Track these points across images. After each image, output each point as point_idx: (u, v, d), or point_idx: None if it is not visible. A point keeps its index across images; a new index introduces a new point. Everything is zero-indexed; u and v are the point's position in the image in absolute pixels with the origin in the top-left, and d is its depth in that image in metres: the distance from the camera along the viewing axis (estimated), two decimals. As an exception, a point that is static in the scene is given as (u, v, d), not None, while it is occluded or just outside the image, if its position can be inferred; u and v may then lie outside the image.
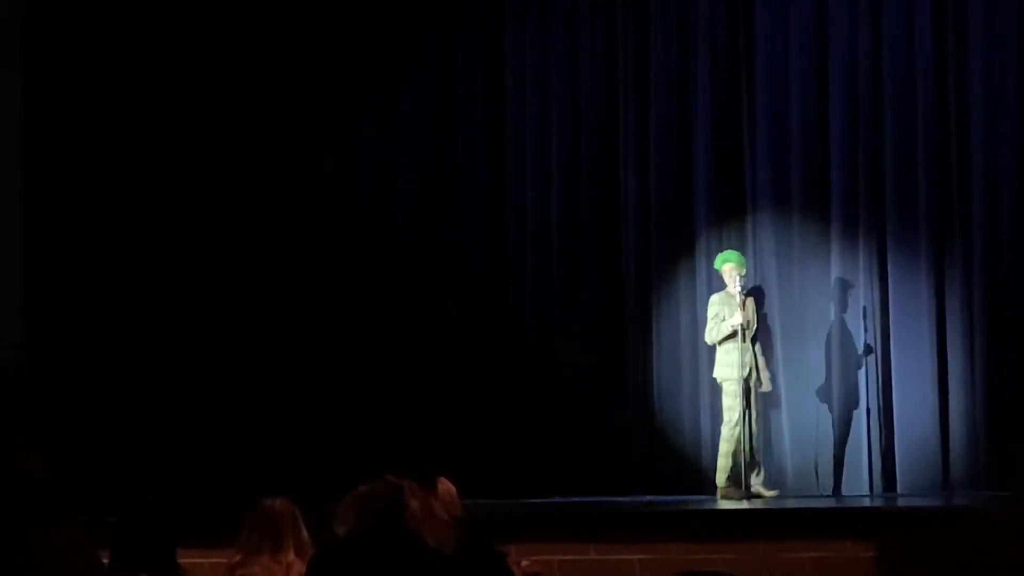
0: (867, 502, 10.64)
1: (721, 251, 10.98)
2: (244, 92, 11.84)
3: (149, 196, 11.69)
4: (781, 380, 11.05)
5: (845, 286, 11.19)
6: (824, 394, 11.12)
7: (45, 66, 11.61)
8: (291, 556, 5.86)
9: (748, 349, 10.59)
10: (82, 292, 11.59)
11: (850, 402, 11.08)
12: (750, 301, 10.76)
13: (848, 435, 11.06)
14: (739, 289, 10.61)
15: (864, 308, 11.14)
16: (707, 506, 10.30)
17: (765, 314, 11.14)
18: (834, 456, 11.04)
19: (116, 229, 11.66)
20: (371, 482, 4.80)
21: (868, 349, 11.09)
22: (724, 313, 10.68)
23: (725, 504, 10.30)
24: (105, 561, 4.82)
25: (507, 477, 11.23)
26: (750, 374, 10.58)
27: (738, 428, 10.55)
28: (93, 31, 11.69)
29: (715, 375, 10.76)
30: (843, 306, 11.18)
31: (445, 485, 5.65)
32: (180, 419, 11.40)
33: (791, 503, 10.33)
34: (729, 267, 10.73)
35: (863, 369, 11.09)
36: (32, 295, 11.52)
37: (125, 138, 11.70)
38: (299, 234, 11.86)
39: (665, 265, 11.52)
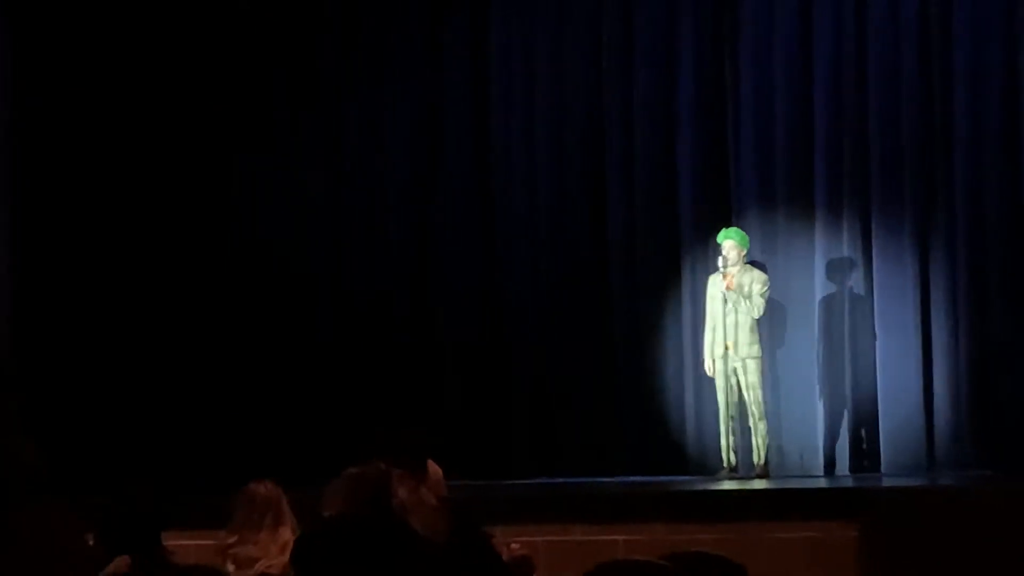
0: (852, 482, 10.66)
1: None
2: (232, 91, 11.81)
3: (137, 188, 11.67)
4: (766, 362, 11.03)
5: (829, 268, 11.19)
6: (808, 375, 11.14)
7: (34, 65, 11.56)
8: (287, 534, 5.89)
9: (724, 325, 10.61)
10: (68, 277, 11.56)
11: (835, 383, 11.09)
12: (736, 277, 10.71)
13: (832, 416, 11.08)
14: (740, 267, 10.65)
15: (848, 289, 11.15)
16: (692, 487, 10.32)
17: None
18: (818, 437, 11.07)
19: (102, 218, 11.64)
20: (361, 466, 4.80)
21: (852, 330, 11.10)
22: (711, 291, 10.73)
23: (709, 485, 10.33)
24: (91, 543, 4.82)
25: (493, 458, 11.25)
26: (725, 350, 10.61)
27: (721, 408, 10.66)
28: (82, 31, 11.64)
29: None
30: (827, 288, 11.19)
31: (431, 467, 5.64)
32: (169, 404, 11.41)
33: (776, 484, 10.35)
34: (728, 244, 10.73)
35: (847, 350, 11.11)
36: (21, 282, 11.51)
37: (114, 135, 11.66)
38: (287, 222, 11.86)
39: (651, 251, 11.53)
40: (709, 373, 10.80)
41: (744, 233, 10.84)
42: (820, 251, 11.22)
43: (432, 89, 11.88)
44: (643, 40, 11.65)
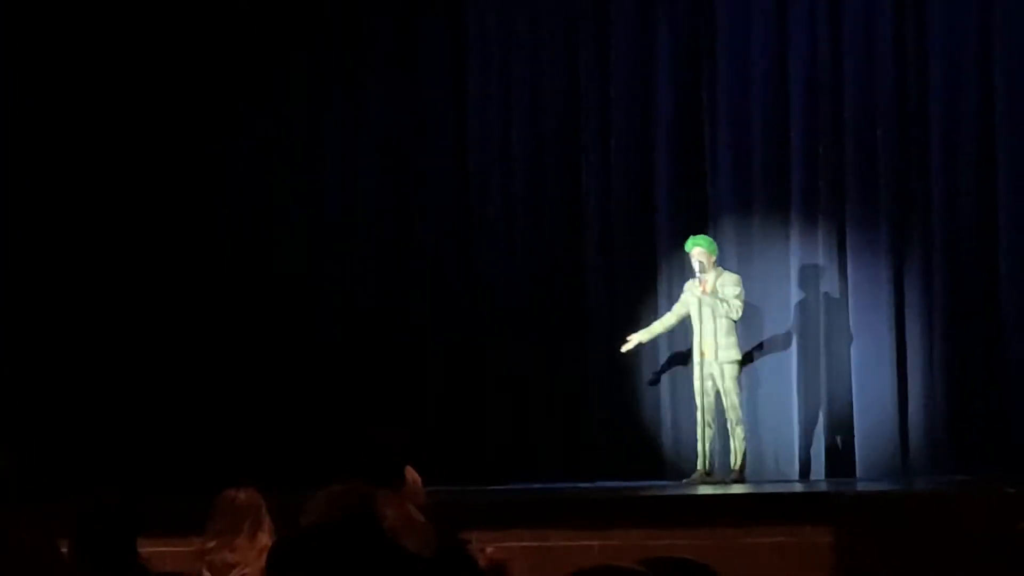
0: (827, 487, 10.69)
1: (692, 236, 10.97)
2: (220, 91, 11.82)
3: (118, 189, 11.67)
4: (742, 367, 11.06)
5: (805, 274, 11.22)
6: (784, 380, 11.16)
7: (22, 63, 11.52)
8: (266, 539, 5.86)
9: (702, 331, 10.63)
10: (46, 277, 11.52)
11: (810, 388, 11.13)
12: (709, 282, 10.70)
13: (807, 421, 11.11)
14: (710, 273, 10.65)
15: (824, 295, 11.18)
16: (668, 492, 10.33)
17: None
18: (794, 442, 11.09)
19: (84, 221, 11.61)
20: (344, 483, 4.78)
21: (828, 336, 11.13)
22: (687, 299, 10.75)
23: (685, 490, 10.34)
24: (64, 551, 4.79)
25: (469, 464, 11.25)
26: (702, 355, 10.62)
27: (698, 412, 10.66)
28: (65, 32, 11.61)
29: None
30: (803, 293, 11.21)
31: (409, 473, 5.62)
32: (145, 408, 11.39)
33: (751, 488, 10.37)
34: (697, 251, 10.74)
35: (823, 355, 11.13)
36: (6, 282, 11.47)
37: (102, 134, 11.64)
38: (266, 224, 11.91)
39: (628, 257, 11.56)
40: (623, 348, 10.88)
41: (711, 239, 10.83)
42: (796, 257, 11.26)
43: (409, 93, 11.89)
44: (620, 47, 11.68)
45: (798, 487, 10.68)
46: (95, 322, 11.48)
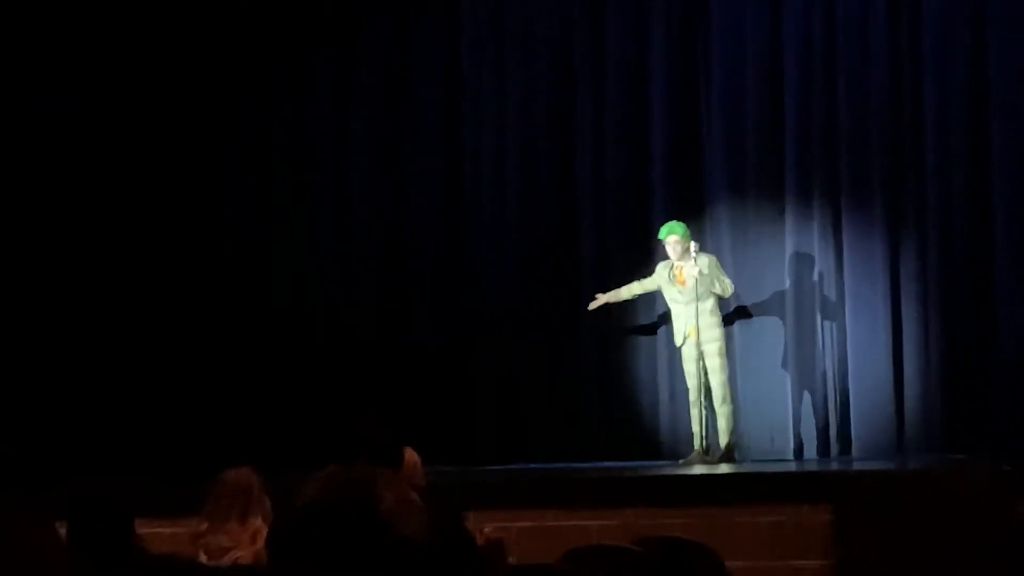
0: (823, 466, 10.70)
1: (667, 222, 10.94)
2: (207, 88, 11.83)
3: (115, 188, 11.71)
4: (738, 348, 11.10)
5: (800, 256, 11.22)
6: (780, 360, 11.18)
7: (21, 64, 11.51)
8: (258, 523, 5.87)
9: (685, 315, 10.63)
10: (46, 278, 11.52)
11: (806, 368, 11.14)
12: (689, 266, 10.68)
13: (804, 400, 11.12)
14: (686, 259, 10.63)
15: (819, 276, 11.19)
16: (664, 472, 10.34)
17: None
18: (790, 421, 11.11)
19: (81, 221, 11.62)
20: (344, 463, 4.79)
21: (824, 316, 11.14)
22: (659, 281, 10.77)
23: (681, 470, 10.35)
24: (63, 533, 4.80)
25: (466, 445, 11.27)
26: (685, 338, 10.63)
27: (691, 392, 10.70)
28: (65, 30, 11.59)
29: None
30: (799, 275, 11.22)
31: (408, 454, 5.63)
32: (146, 395, 11.42)
33: (748, 468, 10.39)
34: (673, 239, 10.72)
35: (819, 336, 11.15)
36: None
37: (98, 136, 11.65)
38: (260, 222, 11.97)
39: (623, 243, 11.57)
40: (590, 306, 10.93)
41: (685, 226, 10.79)
42: (791, 239, 11.26)
43: (403, 88, 11.89)
44: (614, 33, 11.68)
45: (794, 466, 10.69)
46: (96, 318, 11.49)
